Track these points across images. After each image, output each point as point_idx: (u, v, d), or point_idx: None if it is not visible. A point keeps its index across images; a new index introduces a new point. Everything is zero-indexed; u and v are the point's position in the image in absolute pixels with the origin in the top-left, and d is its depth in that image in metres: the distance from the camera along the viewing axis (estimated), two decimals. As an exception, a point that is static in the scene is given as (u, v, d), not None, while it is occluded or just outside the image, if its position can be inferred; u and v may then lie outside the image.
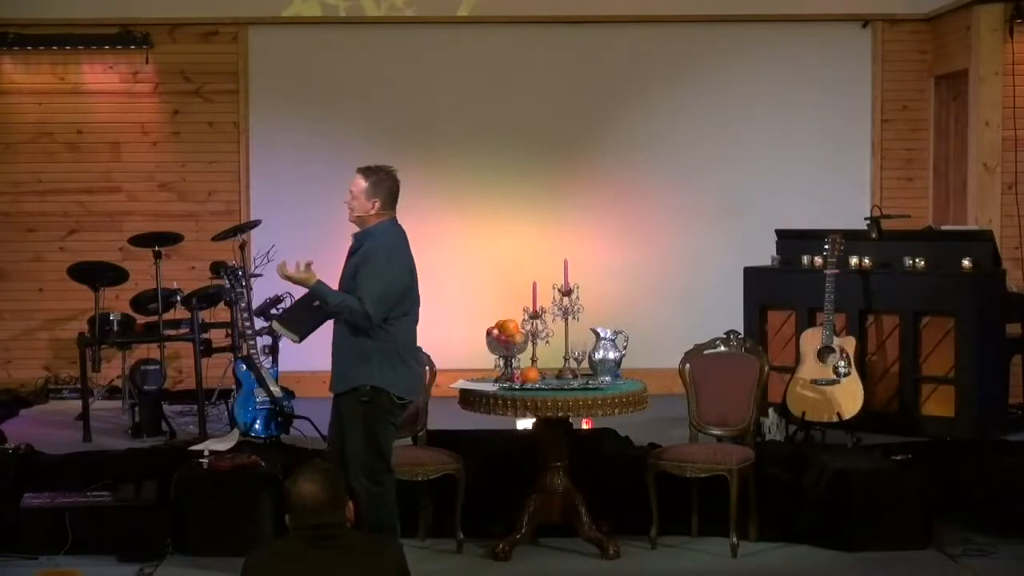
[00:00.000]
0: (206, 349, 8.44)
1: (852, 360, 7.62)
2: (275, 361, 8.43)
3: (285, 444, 7.61)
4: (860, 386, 7.60)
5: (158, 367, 8.24)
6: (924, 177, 10.08)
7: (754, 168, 9.99)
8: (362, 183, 5.93)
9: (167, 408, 8.33)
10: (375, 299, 5.79)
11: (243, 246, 8.82)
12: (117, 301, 9.04)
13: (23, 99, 9.94)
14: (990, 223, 9.03)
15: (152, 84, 9.95)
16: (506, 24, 9.97)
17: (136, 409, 8.16)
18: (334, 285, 5.97)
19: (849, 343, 7.68)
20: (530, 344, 6.59)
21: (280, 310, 5.96)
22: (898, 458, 7.10)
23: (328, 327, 6.04)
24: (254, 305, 8.35)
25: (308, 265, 5.89)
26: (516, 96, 9.99)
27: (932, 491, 6.78)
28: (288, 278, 5.90)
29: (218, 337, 8.78)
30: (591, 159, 10.04)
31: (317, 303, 5.94)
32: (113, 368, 9.28)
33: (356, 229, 6.02)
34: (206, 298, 8.70)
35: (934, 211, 10.00)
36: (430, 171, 9.78)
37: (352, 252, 5.98)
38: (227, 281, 8.07)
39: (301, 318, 6.05)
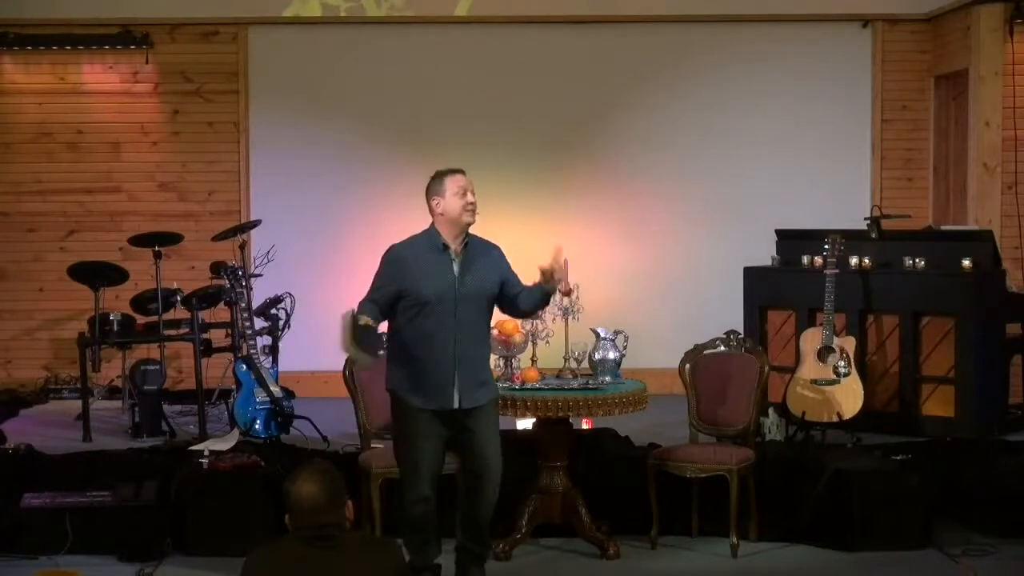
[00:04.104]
0: (206, 349, 8.44)
1: (852, 360, 7.61)
2: (275, 361, 8.44)
3: (285, 444, 7.61)
4: (860, 386, 7.60)
5: (158, 367, 8.22)
6: (924, 177, 10.08)
7: (754, 168, 9.99)
8: None
9: (167, 408, 8.31)
10: None
11: (243, 246, 8.82)
12: (117, 301, 9.03)
13: (23, 99, 9.94)
14: (990, 223, 9.03)
15: (152, 84, 9.95)
16: (505, 24, 9.97)
17: (136, 409, 8.14)
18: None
19: (849, 343, 7.68)
20: (530, 344, 6.59)
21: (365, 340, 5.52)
22: (898, 458, 7.10)
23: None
24: (254, 305, 8.36)
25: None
26: (516, 96, 9.98)
27: (932, 491, 6.78)
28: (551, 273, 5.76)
29: (218, 337, 8.77)
30: (591, 159, 10.03)
31: (362, 323, 5.63)
32: (113, 368, 9.27)
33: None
34: (206, 298, 8.69)
35: (934, 211, 10.00)
36: (430, 171, 9.73)
37: (468, 257, 6.20)
38: (227, 281, 8.07)
39: (370, 338, 5.65)
